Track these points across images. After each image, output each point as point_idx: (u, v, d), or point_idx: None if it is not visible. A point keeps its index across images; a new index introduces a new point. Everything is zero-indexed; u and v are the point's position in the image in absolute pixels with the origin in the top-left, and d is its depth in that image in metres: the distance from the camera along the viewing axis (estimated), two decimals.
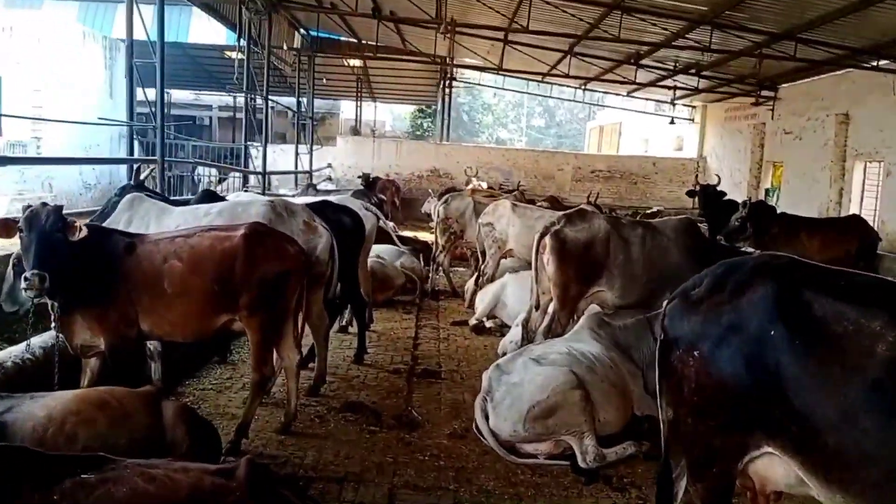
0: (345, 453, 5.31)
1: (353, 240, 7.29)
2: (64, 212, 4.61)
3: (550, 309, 6.98)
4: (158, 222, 6.07)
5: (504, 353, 7.17)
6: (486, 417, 5.41)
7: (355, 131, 32.41)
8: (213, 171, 19.10)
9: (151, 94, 11.36)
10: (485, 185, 19.53)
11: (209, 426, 4.31)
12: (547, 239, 6.86)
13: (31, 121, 17.09)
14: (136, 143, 13.60)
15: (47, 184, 16.91)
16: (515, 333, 7.46)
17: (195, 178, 19.25)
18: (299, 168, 21.84)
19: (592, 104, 41.25)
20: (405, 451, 5.42)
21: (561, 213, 7.55)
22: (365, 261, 9.10)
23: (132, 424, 3.87)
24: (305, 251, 5.42)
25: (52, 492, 2.93)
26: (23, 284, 4.35)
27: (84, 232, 4.56)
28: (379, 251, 11.08)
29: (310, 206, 6.92)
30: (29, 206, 4.50)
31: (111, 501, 2.94)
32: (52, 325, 4.70)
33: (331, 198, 8.75)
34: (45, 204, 4.55)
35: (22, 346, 4.95)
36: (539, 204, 13.50)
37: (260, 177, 17.30)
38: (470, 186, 18.00)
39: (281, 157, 22.70)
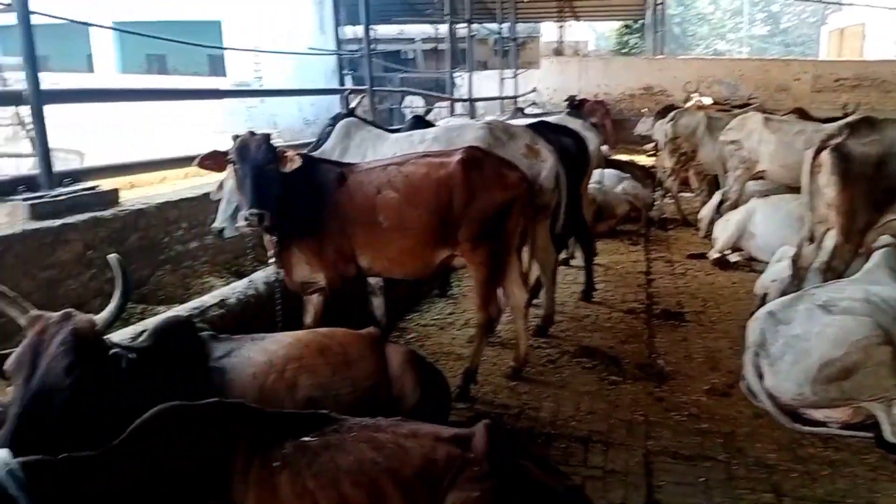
0: (586, 407, 4.60)
1: (577, 164, 6.41)
2: (284, 143, 4.20)
3: (828, 242, 5.67)
4: (375, 150, 5.59)
5: (764, 295, 6.03)
6: (760, 375, 4.40)
7: (558, 52, 30.90)
8: (420, 102, 18.91)
9: (359, 30, 11.07)
10: (708, 102, 17.52)
11: (438, 374, 3.76)
12: (825, 155, 5.52)
13: (253, 62, 17.85)
14: (347, 79, 13.59)
15: (272, 122, 17.70)
16: (778, 271, 6.24)
17: (402, 110, 19.23)
18: (503, 94, 21.09)
19: (828, 2, 36.06)
20: (657, 409, 4.59)
21: (841, 122, 6.10)
22: (586, 187, 8.23)
23: (356, 372, 3.40)
24: (528, 178, 4.66)
25: (271, 455, 2.49)
26: (241, 223, 4.02)
27: (297, 162, 4.13)
28: (597, 176, 10.10)
29: (529, 127, 6.13)
30: (237, 136, 4.12)
31: (334, 472, 2.45)
32: (272, 260, 4.37)
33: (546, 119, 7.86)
34: (252, 133, 4.14)
35: (245, 281, 4.71)
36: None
37: (466, 105, 16.78)
38: (691, 103, 16.21)
39: (485, 83, 22.01)
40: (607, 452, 4.03)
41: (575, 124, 7.45)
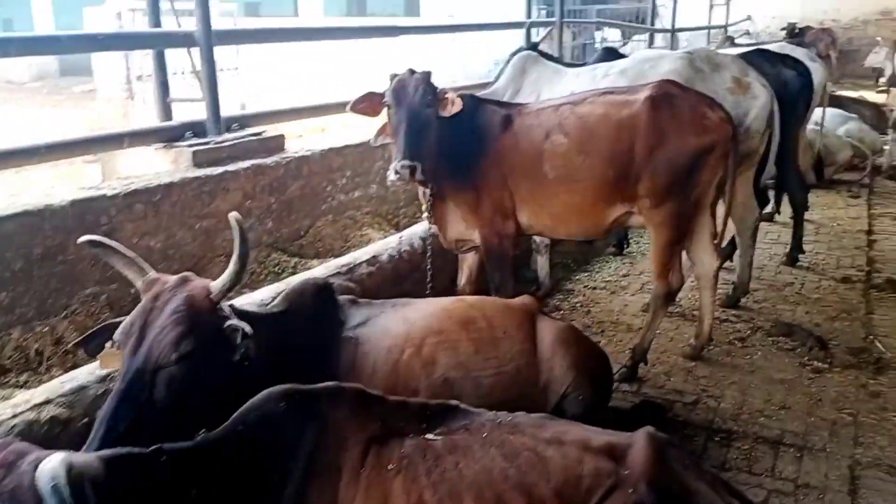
0: (779, 399, 3.90)
1: (798, 101, 5.44)
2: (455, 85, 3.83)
3: None
4: (552, 87, 5.05)
5: None
6: None
7: None
8: (617, 35, 17.65)
9: None
10: None
11: (599, 357, 3.28)
12: None
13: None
14: (538, 12, 12.85)
15: (460, 65, 17.39)
16: None
17: (597, 46, 18.08)
18: (712, 23, 19.15)
19: None
20: (871, 407, 3.81)
21: None
22: (803, 129, 7.10)
23: (501, 351, 3.02)
24: (732, 119, 3.91)
25: (388, 454, 2.19)
26: (392, 177, 3.70)
27: (458, 105, 3.72)
28: (815, 116, 8.75)
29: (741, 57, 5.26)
30: (394, 75, 3.79)
31: (456, 483, 2.11)
32: (425, 214, 4.06)
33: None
34: (412, 71, 3.78)
35: (397, 237, 4.46)
36: None
37: (668, 36, 15.38)
38: None
39: (691, 12, 20.12)
40: (802, 460, 3.37)
41: (798, 53, 6.37)
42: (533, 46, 6.64)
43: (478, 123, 3.99)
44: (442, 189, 3.97)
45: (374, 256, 4.13)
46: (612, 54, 6.38)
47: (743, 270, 5.14)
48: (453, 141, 3.87)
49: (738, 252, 5.20)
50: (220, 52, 4.96)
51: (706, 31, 19.00)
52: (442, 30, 11.28)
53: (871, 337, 4.59)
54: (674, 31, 15.36)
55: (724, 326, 4.79)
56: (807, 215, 7.28)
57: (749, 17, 21.38)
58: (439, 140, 3.80)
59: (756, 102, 4.52)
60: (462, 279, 4.50)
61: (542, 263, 5.39)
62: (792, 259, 6.02)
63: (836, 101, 10.10)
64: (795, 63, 5.51)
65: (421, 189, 4.00)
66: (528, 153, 3.92)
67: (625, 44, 17.82)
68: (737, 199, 4.92)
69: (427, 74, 3.76)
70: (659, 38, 16.65)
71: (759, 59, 5.39)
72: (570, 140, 3.84)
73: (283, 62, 14.72)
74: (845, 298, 5.26)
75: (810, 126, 8.58)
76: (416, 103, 3.69)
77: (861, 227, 7.00)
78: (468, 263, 4.44)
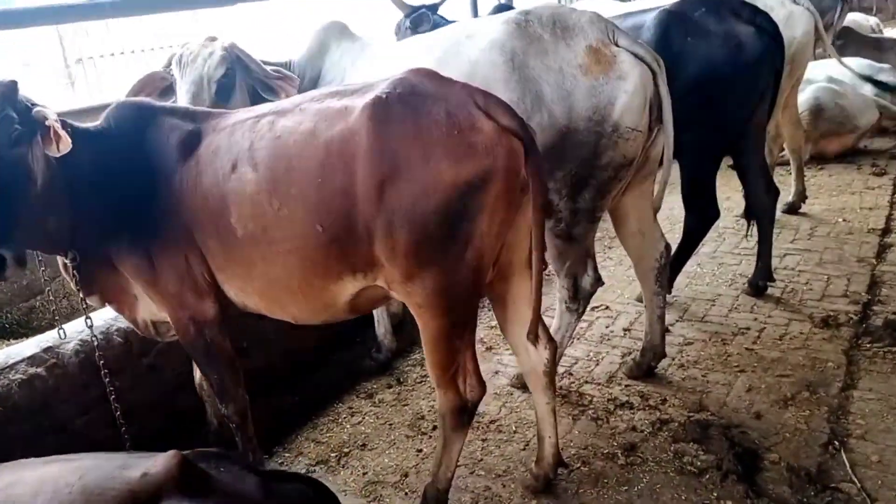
0: None
1: (760, 70, 3.69)
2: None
3: None
4: (355, 72, 3.46)
5: None
6: None
7: None
8: None
9: None
10: None
11: None
12: None
13: None
14: None
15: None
16: None
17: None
18: None
19: None
20: None
21: None
22: (793, 95, 5.27)
23: None
24: (526, 127, 2.30)
25: None
26: None
27: (65, 143, 2.17)
28: (829, 71, 6.81)
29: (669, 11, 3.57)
30: None
31: None
32: (81, 296, 2.58)
33: None
34: None
35: (42, 339, 2.94)
36: None
37: None
38: None
39: None
40: None
41: None
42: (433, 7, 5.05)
43: (148, 148, 2.48)
44: (105, 251, 2.48)
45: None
46: (504, 8, 4.69)
47: (651, 328, 3.48)
48: (105, 179, 2.40)
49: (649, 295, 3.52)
50: None
51: None
52: None
53: (837, 444, 2.89)
54: None
55: (609, 421, 3.17)
56: (807, 205, 5.56)
57: None
58: (70, 184, 2.33)
59: (624, 85, 2.81)
60: (197, 375, 3.04)
61: (383, 331, 3.85)
62: (755, 288, 4.29)
63: (867, 44, 8.05)
64: (755, 14, 3.71)
65: (63, 260, 2.51)
66: (212, 194, 2.40)
67: None
68: (629, 227, 3.32)
69: (12, 84, 2.21)
70: None
71: (699, 12, 3.64)
72: (260, 175, 2.32)
73: None
74: (818, 357, 3.53)
75: (822, 83, 6.70)
76: None
77: (876, 223, 5.14)
78: None
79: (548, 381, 2.68)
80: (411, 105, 2.20)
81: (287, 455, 3.21)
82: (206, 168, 2.41)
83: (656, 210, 3.25)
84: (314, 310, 2.49)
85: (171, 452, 1.70)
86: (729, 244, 5.18)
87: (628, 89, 2.84)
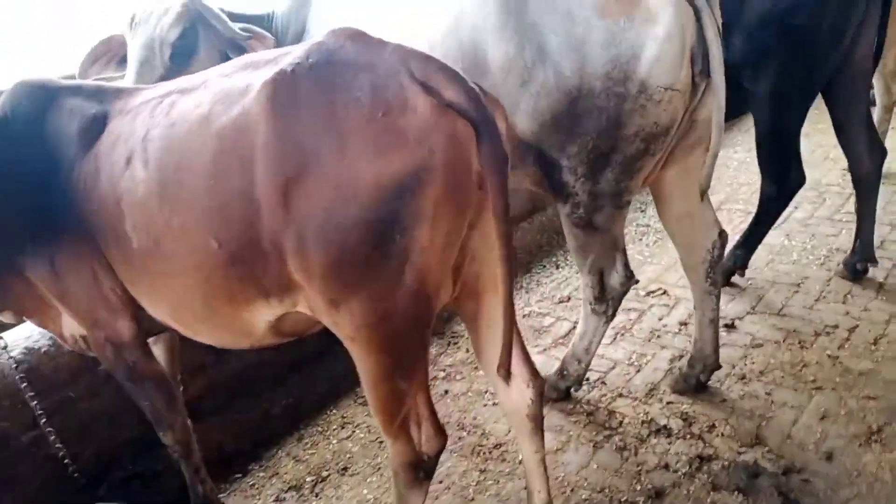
0: None
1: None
2: None
3: None
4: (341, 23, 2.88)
5: None
6: None
7: None
8: None
9: None
10: None
11: None
12: None
13: None
14: None
15: None
16: None
17: None
18: None
19: None
20: None
21: None
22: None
23: None
24: (479, 103, 1.68)
25: None
26: None
27: None
28: None
29: None
30: None
31: None
32: None
33: None
34: None
35: None
36: None
37: None
38: None
39: None
40: None
41: None
42: None
43: (46, 137, 2.05)
44: (11, 260, 2.08)
45: None
46: None
47: (702, 334, 2.80)
48: None
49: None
50: None
51: None
52: None
53: None
54: None
55: (638, 453, 2.56)
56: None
57: None
58: None
59: (653, 30, 2.10)
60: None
61: None
62: (852, 271, 3.49)
63: None
64: None
65: None
66: (109, 195, 1.94)
67: None
68: (673, 209, 2.66)
69: None
70: None
71: None
72: (150, 174, 1.84)
73: None
74: None
75: None
76: None
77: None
78: (162, 352, 2.61)
79: (534, 427, 2.13)
80: (324, 80, 1.66)
81: (262, 475, 2.81)
82: (104, 161, 1.95)
83: (703, 191, 2.53)
84: (232, 338, 2.03)
85: None
86: (829, 207, 4.33)
87: (659, 34, 2.13)
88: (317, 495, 2.66)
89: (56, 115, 2.06)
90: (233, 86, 1.78)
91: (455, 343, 3.45)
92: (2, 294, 2.16)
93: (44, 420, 2.43)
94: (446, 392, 3.10)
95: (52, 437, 2.44)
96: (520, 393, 2.10)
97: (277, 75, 1.68)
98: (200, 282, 1.84)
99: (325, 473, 2.76)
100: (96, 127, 2.02)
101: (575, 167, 2.36)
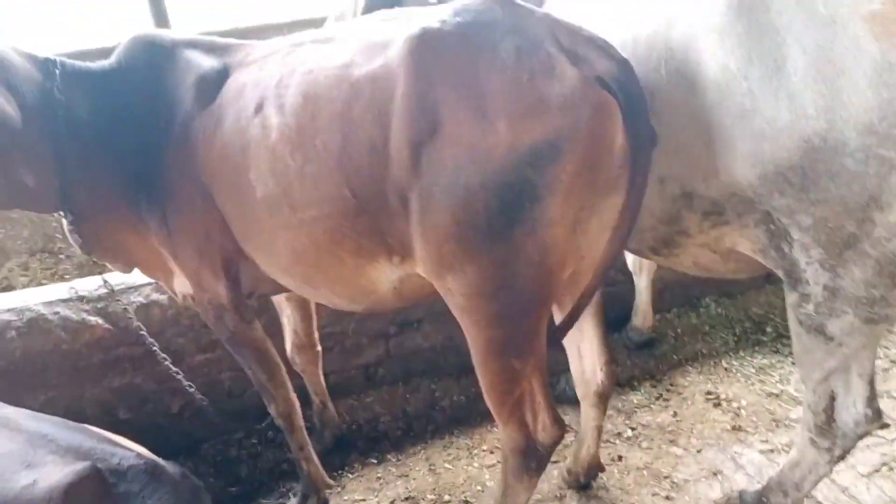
0: None
1: None
2: None
3: None
4: None
5: None
6: None
7: None
8: None
9: None
10: None
11: None
12: None
13: None
14: None
15: None
16: None
17: None
18: None
19: None
20: None
21: None
22: None
23: None
24: (632, 78, 1.62)
25: None
26: None
27: None
28: None
29: None
30: None
31: None
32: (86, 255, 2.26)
33: None
34: None
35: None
36: None
37: None
38: None
39: None
40: None
41: None
42: None
43: (162, 90, 2.04)
44: (129, 212, 2.13)
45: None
46: None
47: None
48: (112, 128, 2.03)
49: None
50: None
51: None
52: None
53: None
54: None
55: None
56: None
57: None
58: (61, 136, 1.95)
59: None
60: (287, 342, 2.62)
61: (640, 289, 3.05)
62: None
63: None
64: None
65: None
66: (232, 143, 1.91)
67: None
68: None
69: None
70: None
71: None
72: (285, 120, 1.79)
73: None
74: None
75: None
76: None
77: None
78: (287, 316, 2.60)
79: (598, 402, 2.26)
80: (469, 39, 1.61)
81: (393, 471, 2.64)
82: (228, 110, 1.91)
83: None
84: (351, 295, 1.96)
85: (86, 465, 1.40)
86: None
87: None
88: None
89: (172, 69, 2.04)
90: (376, 38, 1.74)
91: None
92: (116, 245, 2.19)
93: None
94: None
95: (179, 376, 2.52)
96: (592, 372, 2.19)
97: (423, 31, 1.63)
98: (329, 231, 1.78)
99: (446, 497, 2.48)
100: (216, 79, 1.98)
101: (806, 245, 1.60)
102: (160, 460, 1.54)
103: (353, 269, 1.84)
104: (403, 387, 3.02)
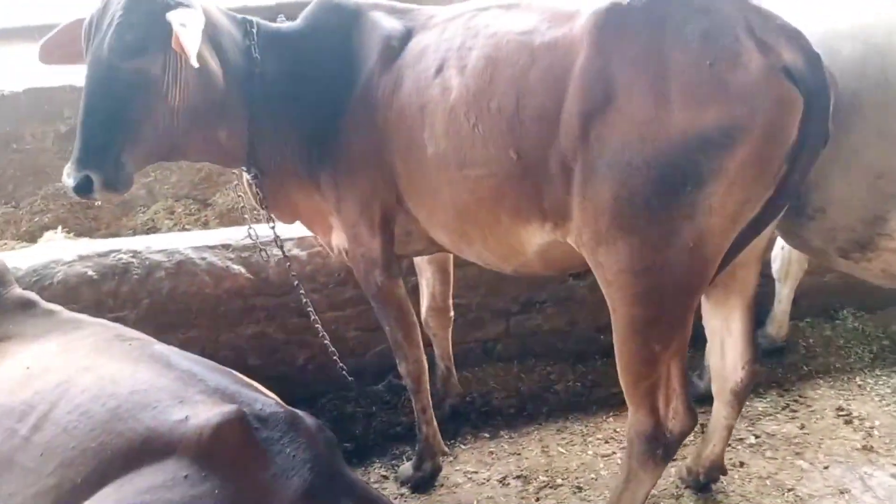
0: None
1: None
2: None
3: None
4: None
5: None
6: None
7: None
8: None
9: None
10: None
11: None
12: None
13: None
14: None
15: None
16: None
17: None
18: None
19: None
20: None
21: None
22: None
23: None
24: (820, 74, 1.59)
25: None
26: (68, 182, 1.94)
27: (190, 40, 1.75)
28: None
29: None
30: None
31: None
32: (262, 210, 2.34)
33: None
34: None
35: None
36: None
37: None
38: None
39: None
40: None
41: None
42: None
43: (346, 53, 2.12)
44: (301, 168, 2.23)
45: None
46: None
47: None
48: (298, 89, 2.12)
49: None
50: None
51: None
52: None
53: None
54: None
55: None
56: None
57: None
58: (254, 95, 2.05)
59: None
60: (424, 304, 2.67)
61: (781, 296, 2.94)
62: None
63: None
64: None
65: (247, 177, 2.29)
66: (410, 103, 1.99)
67: None
68: None
69: None
70: None
71: None
72: (465, 81, 1.87)
73: None
74: None
75: None
76: (106, 50, 1.87)
77: None
78: (427, 279, 2.67)
79: (733, 400, 2.20)
80: (655, 17, 1.62)
81: (505, 448, 2.65)
82: (408, 72, 1.99)
83: None
84: (502, 253, 2.04)
85: (232, 408, 1.45)
86: None
87: None
88: (538, 500, 2.42)
89: (359, 30, 2.10)
90: (562, 8, 1.79)
91: None
92: (287, 199, 2.27)
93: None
94: None
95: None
96: (733, 369, 2.15)
97: (611, 5, 1.66)
98: (491, 190, 1.87)
99: (559, 481, 2.48)
100: (400, 40, 2.04)
101: None
102: (298, 411, 1.59)
103: (507, 228, 1.91)
104: (518, 365, 3.02)
